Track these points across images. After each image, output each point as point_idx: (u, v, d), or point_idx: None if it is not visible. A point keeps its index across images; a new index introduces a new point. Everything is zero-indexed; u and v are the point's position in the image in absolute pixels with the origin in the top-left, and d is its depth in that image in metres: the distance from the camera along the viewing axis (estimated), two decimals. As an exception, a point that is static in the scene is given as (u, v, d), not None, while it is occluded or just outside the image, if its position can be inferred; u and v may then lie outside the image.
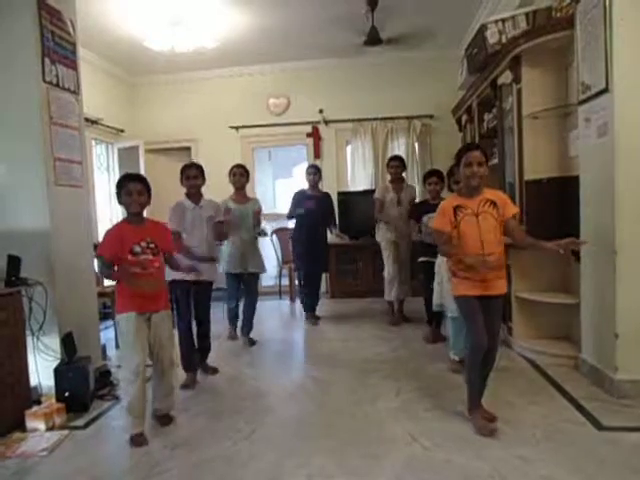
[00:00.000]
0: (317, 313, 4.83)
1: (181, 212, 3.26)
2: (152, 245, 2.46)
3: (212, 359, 3.46)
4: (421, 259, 3.86)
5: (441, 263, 3.16)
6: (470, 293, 2.35)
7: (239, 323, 4.18)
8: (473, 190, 2.38)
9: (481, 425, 2.32)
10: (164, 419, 2.59)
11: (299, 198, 4.71)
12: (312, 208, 4.60)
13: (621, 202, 2.56)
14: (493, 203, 2.36)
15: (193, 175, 3.32)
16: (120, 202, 2.51)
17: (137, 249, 2.41)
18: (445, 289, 3.09)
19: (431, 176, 3.90)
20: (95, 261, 3.43)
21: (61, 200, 3.01)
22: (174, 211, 3.27)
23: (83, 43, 3.99)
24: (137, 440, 2.36)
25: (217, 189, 3.95)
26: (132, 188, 2.45)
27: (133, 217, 2.49)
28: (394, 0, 4.53)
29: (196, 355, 3.30)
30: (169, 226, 2.97)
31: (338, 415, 2.60)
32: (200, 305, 3.31)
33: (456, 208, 2.39)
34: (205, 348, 3.40)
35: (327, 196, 4.87)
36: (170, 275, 2.88)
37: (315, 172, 4.70)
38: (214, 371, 3.37)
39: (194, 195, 3.34)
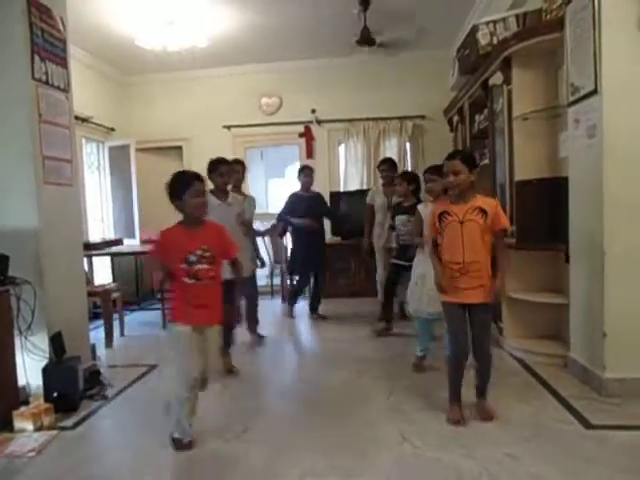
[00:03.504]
0: (320, 312, 4.85)
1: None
2: (208, 254, 2.21)
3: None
4: (393, 261, 3.87)
5: (418, 264, 3.14)
6: (449, 300, 2.39)
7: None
8: (459, 197, 2.37)
9: (451, 417, 2.39)
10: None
11: (294, 201, 4.67)
12: (310, 210, 4.57)
13: (610, 203, 2.59)
14: (483, 211, 2.33)
15: (226, 172, 3.27)
16: (177, 203, 2.25)
17: (192, 258, 2.18)
18: (424, 292, 3.03)
19: (400, 177, 3.93)
20: (80, 260, 3.41)
21: (50, 199, 2.99)
22: None
23: (74, 41, 3.96)
24: (184, 446, 2.25)
25: (208, 187, 3.96)
26: (201, 189, 2.24)
27: (193, 221, 2.27)
28: (386, 1, 4.54)
29: None
30: None
31: (329, 415, 2.60)
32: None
33: (441, 214, 2.39)
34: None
35: (320, 196, 4.87)
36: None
37: (311, 174, 4.69)
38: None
39: (222, 191, 3.27)
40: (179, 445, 2.25)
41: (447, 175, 2.37)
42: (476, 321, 2.40)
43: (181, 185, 2.25)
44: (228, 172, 3.26)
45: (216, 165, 3.27)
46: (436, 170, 3.38)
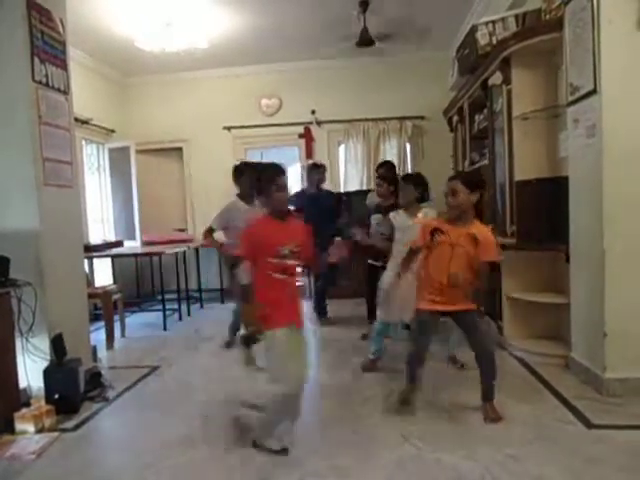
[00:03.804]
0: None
1: (230, 215, 3.20)
2: (297, 249, 2.13)
3: (205, 361, 3.45)
4: (370, 261, 3.87)
5: (390, 270, 3.12)
6: (423, 307, 2.47)
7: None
8: (457, 219, 2.38)
9: (399, 398, 2.55)
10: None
11: (301, 197, 4.55)
12: (319, 208, 4.43)
13: (610, 202, 2.59)
14: (475, 239, 2.34)
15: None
16: (264, 196, 2.19)
17: (285, 251, 2.09)
18: (396, 299, 3.04)
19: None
20: (82, 262, 3.41)
21: (51, 200, 2.99)
22: (223, 213, 3.23)
23: (74, 43, 3.97)
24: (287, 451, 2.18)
25: (210, 190, 3.95)
26: (285, 182, 2.19)
27: (279, 214, 2.18)
28: (385, 2, 4.54)
29: None
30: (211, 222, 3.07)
31: (330, 416, 2.60)
32: None
33: (435, 230, 2.40)
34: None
35: (332, 193, 4.78)
36: None
37: (324, 171, 4.63)
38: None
39: (250, 195, 3.22)
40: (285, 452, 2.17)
41: (447, 195, 2.39)
42: (461, 324, 2.47)
43: (266, 179, 2.18)
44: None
45: (244, 169, 3.24)
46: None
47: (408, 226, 3.06)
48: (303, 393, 2.18)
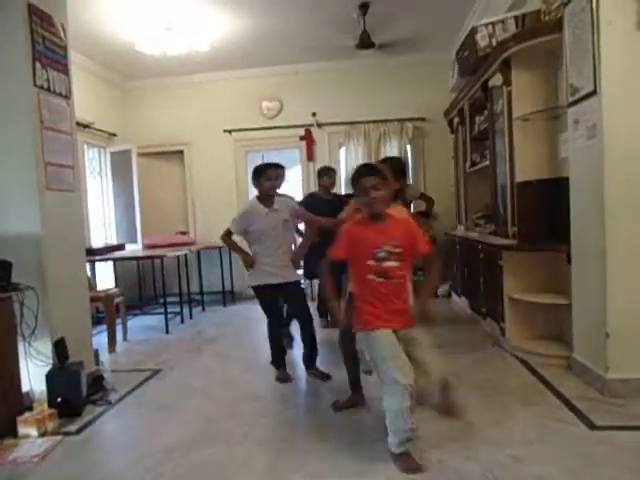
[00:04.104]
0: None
1: (248, 220, 3.16)
2: (398, 250, 2.05)
3: (207, 364, 3.46)
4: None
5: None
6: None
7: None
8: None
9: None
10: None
11: (314, 202, 4.42)
12: (331, 211, 4.42)
13: (610, 202, 2.59)
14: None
15: (275, 176, 3.21)
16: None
17: (382, 254, 2.03)
18: None
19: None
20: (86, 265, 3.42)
21: (52, 205, 3.00)
22: (241, 217, 3.19)
23: (75, 47, 3.99)
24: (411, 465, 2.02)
25: (212, 193, 3.93)
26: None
27: (376, 215, 2.10)
28: (385, 5, 4.55)
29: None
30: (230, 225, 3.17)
31: (332, 418, 2.60)
32: (293, 306, 3.37)
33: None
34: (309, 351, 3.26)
35: (341, 197, 4.68)
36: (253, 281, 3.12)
37: (334, 175, 4.61)
38: (326, 377, 3.17)
39: (268, 197, 3.18)
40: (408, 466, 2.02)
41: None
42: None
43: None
44: (277, 177, 3.21)
45: (261, 170, 3.18)
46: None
47: None
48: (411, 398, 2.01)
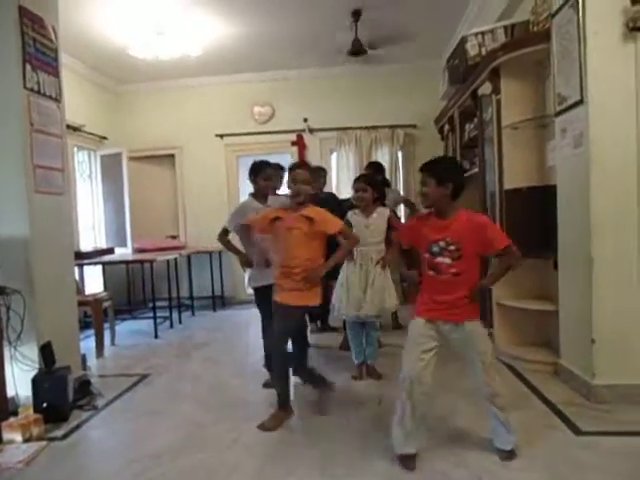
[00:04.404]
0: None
1: (244, 216, 3.10)
2: (453, 247, 2.06)
3: (196, 368, 3.43)
4: None
5: (345, 268, 3.25)
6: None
7: None
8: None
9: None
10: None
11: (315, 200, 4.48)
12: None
13: (597, 210, 2.63)
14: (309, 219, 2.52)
15: (272, 176, 3.23)
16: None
17: (435, 249, 2.09)
18: (349, 295, 3.18)
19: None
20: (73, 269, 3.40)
21: (41, 207, 2.98)
22: (236, 214, 3.18)
23: (67, 50, 3.98)
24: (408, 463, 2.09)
25: (203, 197, 3.92)
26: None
27: (440, 212, 2.12)
28: (377, 12, 4.60)
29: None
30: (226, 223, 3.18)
31: (322, 423, 2.59)
32: None
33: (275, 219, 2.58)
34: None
35: (333, 196, 4.72)
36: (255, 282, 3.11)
37: (324, 175, 4.59)
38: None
39: (263, 196, 3.19)
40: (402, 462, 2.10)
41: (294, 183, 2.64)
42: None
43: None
44: (274, 176, 3.24)
45: (257, 168, 3.19)
46: (365, 180, 3.32)
47: (365, 226, 3.19)
48: (419, 392, 2.06)
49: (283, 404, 2.64)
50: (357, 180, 3.30)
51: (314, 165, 4.99)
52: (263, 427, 2.52)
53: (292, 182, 2.57)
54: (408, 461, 2.09)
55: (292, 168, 2.63)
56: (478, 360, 2.09)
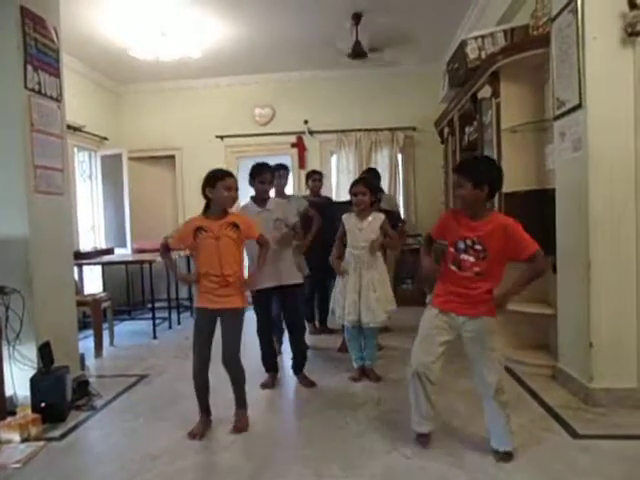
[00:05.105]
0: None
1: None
2: (479, 247, 2.08)
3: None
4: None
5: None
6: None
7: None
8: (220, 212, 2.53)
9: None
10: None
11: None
12: (323, 215, 4.16)
13: (595, 215, 2.64)
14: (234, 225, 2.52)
15: (269, 181, 3.18)
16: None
17: (461, 245, 2.12)
18: (347, 300, 3.17)
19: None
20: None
21: (41, 207, 2.98)
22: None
23: (67, 50, 3.99)
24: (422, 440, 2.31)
25: (202, 198, 3.84)
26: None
27: (473, 212, 2.13)
28: (378, 15, 4.62)
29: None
30: None
31: (318, 424, 2.59)
32: (287, 310, 3.28)
33: (197, 229, 2.50)
34: (298, 356, 3.28)
35: (330, 201, 4.73)
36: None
37: (320, 178, 4.60)
38: (311, 384, 3.19)
39: (262, 199, 3.18)
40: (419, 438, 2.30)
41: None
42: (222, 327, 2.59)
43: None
44: (270, 181, 3.18)
45: (256, 171, 3.16)
46: (365, 183, 3.30)
47: (359, 229, 3.20)
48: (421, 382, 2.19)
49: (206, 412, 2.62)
50: (356, 183, 3.29)
51: (312, 169, 5.02)
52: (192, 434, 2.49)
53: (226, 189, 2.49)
54: (423, 439, 2.28)
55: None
56: (487, 355, 2.12)
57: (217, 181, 2.48)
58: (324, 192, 4.94)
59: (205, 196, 2.54)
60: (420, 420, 2.26)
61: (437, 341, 2.17)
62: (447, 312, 2.17)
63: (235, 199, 2.56)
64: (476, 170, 2.11)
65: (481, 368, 2.15)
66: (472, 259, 2.09)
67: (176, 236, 2.63)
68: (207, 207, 2.58)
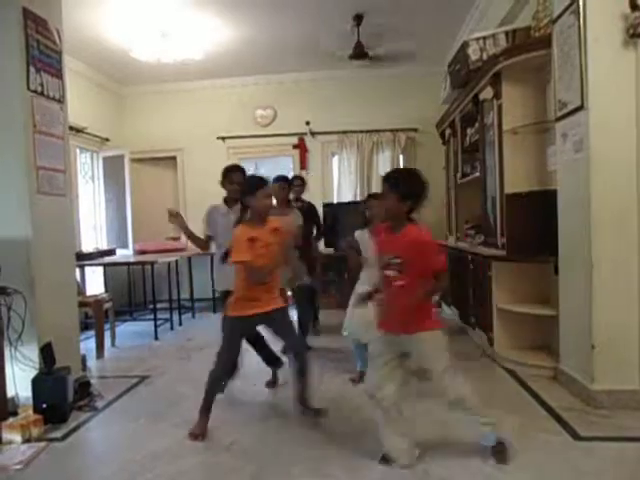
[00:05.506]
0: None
1: (212, 218, 3.22)
2: (397, 261, 2.07)
3: (195, 370, 3.44)
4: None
5: (360, 286, 3.11)
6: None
7: None
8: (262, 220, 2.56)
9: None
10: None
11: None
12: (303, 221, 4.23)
13: (597, 216, 2.63)
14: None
15: (237, 181, 3.14)
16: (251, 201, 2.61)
17: (384, 260, 2.14)
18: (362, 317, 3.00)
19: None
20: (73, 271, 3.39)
21: (43, 208, 2.99)
22: (206, 216, 3.27)
23: (70, 52, 4.00)
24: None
25: (204, 199, 3.85)
26: (269, 192, 2.60)
27: (393, 225, 2.16)
28: (379, 16, 4.62)
29: None
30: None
31: (319, 426, 2.59)
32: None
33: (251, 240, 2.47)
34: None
35: (312, 206, 4.80)
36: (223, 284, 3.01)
37: (301, 184, 4.66)
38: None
39: (232, 200, 3.16)
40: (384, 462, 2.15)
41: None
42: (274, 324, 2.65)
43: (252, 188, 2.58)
44: (239, 182, 3.11)
45: (226, 172, 3.21)
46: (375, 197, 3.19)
47: (369, 244, 3.04)
48: (383, 402, 2.13)
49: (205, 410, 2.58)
50: (372, 198, 3.21)
51: (297, 174, 5.06)
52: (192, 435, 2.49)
53: (267, 197, 2.54)
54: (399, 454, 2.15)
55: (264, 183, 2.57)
56: (437, 375, 2.10)
57: (258, 189, 2.48)
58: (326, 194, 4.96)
59: (242, 204, 2.59)
60: (390, 447, 2.15)
61: (384, 360, 2.13)
62: (387, 333, 2.15)
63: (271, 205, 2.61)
64: (404, 183, 2.10)
65: (437, 386, 2.13)
66: (394, 274, 2.08)
67: (240, 254, 2.44)
68: (243, 212, 2.59)
